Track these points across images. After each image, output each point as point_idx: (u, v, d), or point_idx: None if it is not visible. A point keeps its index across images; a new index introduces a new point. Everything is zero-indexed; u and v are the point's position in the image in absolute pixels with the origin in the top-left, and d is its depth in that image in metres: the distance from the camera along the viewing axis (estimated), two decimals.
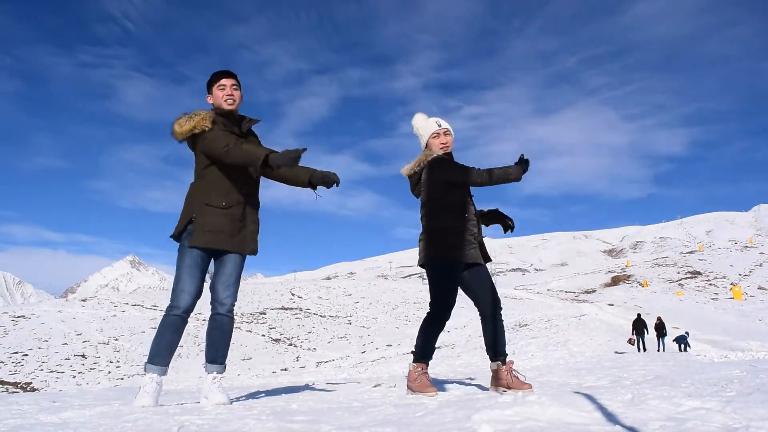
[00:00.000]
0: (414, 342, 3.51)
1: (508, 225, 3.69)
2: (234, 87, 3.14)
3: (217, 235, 3.01)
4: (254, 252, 3.21)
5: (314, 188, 3.19)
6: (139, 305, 38.14)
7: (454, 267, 3.33)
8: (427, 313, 3.39)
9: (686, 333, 23.08)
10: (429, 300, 3.40)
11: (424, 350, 3.36)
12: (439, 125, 3.53)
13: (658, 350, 21.88)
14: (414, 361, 3.35)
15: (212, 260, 3.15)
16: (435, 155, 3.48)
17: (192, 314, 3.09)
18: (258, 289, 51.17)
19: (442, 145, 3.50)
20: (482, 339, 3.54)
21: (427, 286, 3.49)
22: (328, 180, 3.16)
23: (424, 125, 3.58)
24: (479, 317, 3.48)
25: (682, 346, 21.98)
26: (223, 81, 3.12)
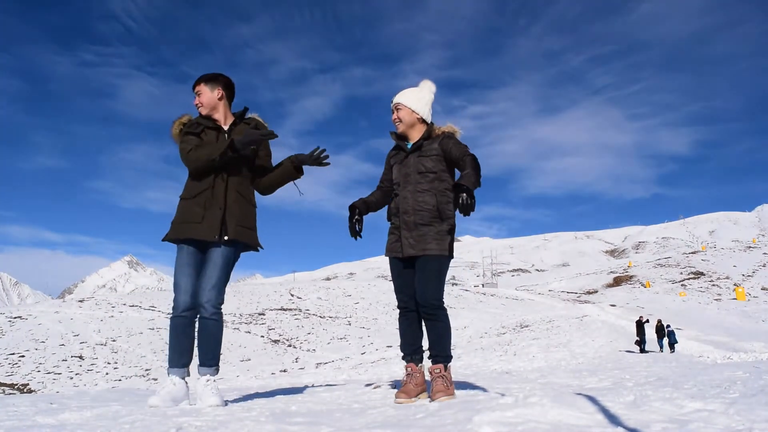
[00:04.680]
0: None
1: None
2: (197, 93, 3.18)
3: (180, 225, 3.03)
4: (231, 239, 2.98)
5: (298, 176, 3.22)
6: (137, 306, 38.00)
7: None
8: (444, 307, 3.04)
9: (668, 326, 23.22)
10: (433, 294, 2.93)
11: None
12: (392, 100, 3.15)
13: (661, 351, 22.00)
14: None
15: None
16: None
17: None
18: (257, 289, 51.08)
19: (394, 121, 3.16)
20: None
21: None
22: (314, 158, 3.14)
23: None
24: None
25: (672, 344, 22.11)
26: (195, 89, 3.20)
